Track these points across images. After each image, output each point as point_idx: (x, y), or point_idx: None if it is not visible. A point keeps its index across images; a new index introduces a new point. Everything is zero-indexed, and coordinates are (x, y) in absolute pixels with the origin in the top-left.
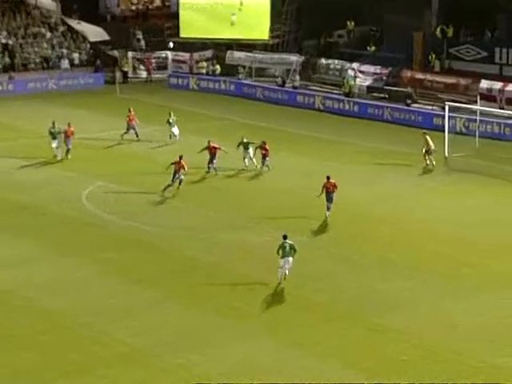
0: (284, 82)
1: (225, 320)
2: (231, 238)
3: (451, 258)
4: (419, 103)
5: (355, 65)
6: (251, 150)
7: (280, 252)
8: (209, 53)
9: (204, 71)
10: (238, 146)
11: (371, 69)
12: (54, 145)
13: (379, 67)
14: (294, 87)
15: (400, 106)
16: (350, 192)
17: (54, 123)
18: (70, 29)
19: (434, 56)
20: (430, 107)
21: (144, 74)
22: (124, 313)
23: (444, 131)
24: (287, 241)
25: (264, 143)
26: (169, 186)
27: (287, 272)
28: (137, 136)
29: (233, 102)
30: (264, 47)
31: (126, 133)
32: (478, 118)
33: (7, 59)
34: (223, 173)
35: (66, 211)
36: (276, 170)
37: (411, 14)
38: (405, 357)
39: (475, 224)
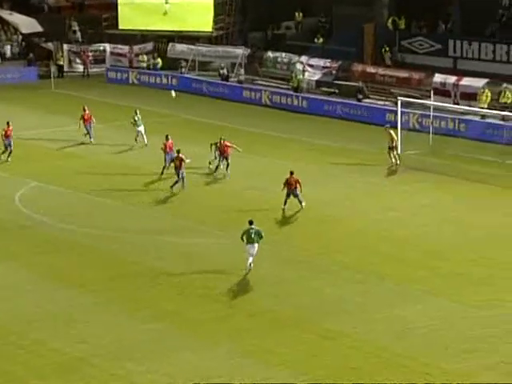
0: (228, 76)
1: (169, 327)
2: (176, 241)
3: (404, 261)
4: (371, 98)
5: (304, 58)
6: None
7: (244, 238)
8: (149, 46)
9: (144, 65)
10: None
11: (320, 62)
12: None
13: (329, 61)
14: (240, 82)
15: (351, 102)
16: (303, 193)
17: None
18: (1, 20)
19: (387, 49)
20: (382, 102)
21: (80, 68)
22: (62, 320)
23: (397, 127)
24: (253, 227)
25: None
26: (176, 182)
27: (251, 260)
28: (90, 138)
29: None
30: (208, 40)
31: (88, 135)
32: (431, 113)
33: None
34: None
35: None
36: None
37: (361, 5)
38: (356, 364)
39: (430, 224)
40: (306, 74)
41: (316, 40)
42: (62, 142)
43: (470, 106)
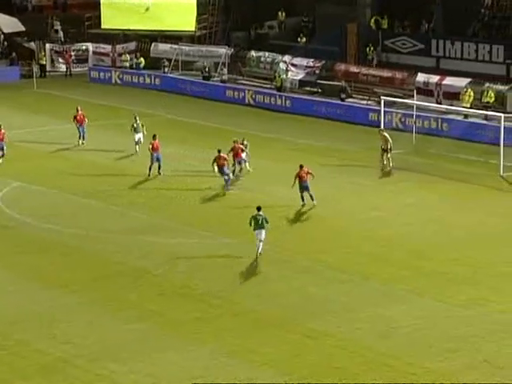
0: (210, 75)
1: (153, 327)
2: (159, 241)
3: (389, 261)
4: (354, 98)
5: (287, 58)
6: (244, 154)
7: (252, 224)
8: (132, 45)
9: (127, 64)
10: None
11: (304, 62)
12: None
13: (312, 60)
14: (223, 81)
15: (334, 101)
16: (285, 192)
17: None
18: None
19: (371, 48)
20: (366, 102)
21: (63, 68)
22: (46, 321)
23: (380, 127)
24: (260, 213)
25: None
26: (227, 181)
27: (261, 246)
28: (83, 139)
29: (158, 97)
30: (191, 39)
31: (82, 138)
32: (414, 113)
33: None
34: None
35: None
36: (206, 169)
37: (344, 5)
38: (340, 363)
39: (413, 224)
40: (290, 73)
41: (299, 39)
42: (45, 141)
43: (452, 105)
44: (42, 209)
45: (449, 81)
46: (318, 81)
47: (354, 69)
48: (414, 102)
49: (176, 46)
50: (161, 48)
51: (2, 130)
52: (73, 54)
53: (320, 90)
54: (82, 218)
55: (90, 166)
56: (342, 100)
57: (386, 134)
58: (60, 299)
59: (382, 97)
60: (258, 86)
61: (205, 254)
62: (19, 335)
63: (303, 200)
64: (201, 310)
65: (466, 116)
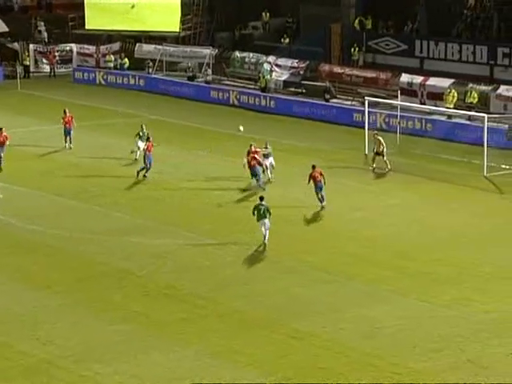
0: (194, 76)
1: (137, 328)
2: (143, 242)
3: (373, 261)
4: (338, 98)
5: (271, 58)
6: (271, 159)
7: (255, 213)
8: (116, 46)
9: (111, 65)
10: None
11: (288, 62)
12: None
13: (296, 61)
14: (207, 82)
15: (318, 102)
16: (271, 193)
17: None
18: None
19: (357, 49)
20: (350, 102)
21: (47, 68)
22: (29, 322)
23: (364, 127)
24: (263, 203)
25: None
26: (257, 180)
27: (267, 236)
28: (70, 142)
29: (142, 98)
30: (175, 40)
31: (67, 140)
32: (398, 113)
33: None
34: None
35: None
36: (196, 170)
37: (328, 6)
38: (325, 364)
39: (397, 224)
40: (274, 74)
41: (283, 40)
42: (29, 143)
43: (436, 105)
44: (26, 210)
45: (432, 81)
46: (303, 81)
47: (338, 69)
48: (398, 102)
49: (160, 47)
50: (145, 49)
51: (4, 133)
52: (57, 54)
53: (304, 91)
54: (65, 219)
55: (74, 167)
56: (327, 100)
57: (380, 138)
58: (44, 300)
59: (366, 97)
60: (242, 86)
61: (190, 254)
62: (2, 337)
63: (321, 201)
64: (186, 310)
65: (449, 116)
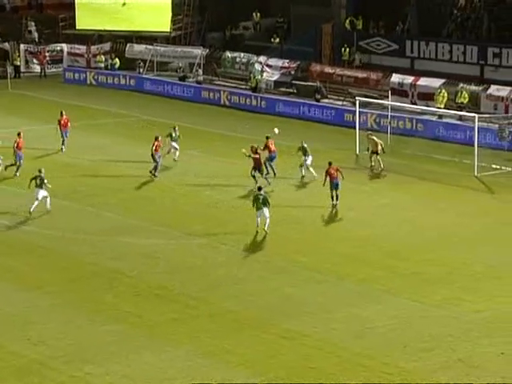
0: (185, 76)
1: (128, 329)
2: (134, 242)
3: (364, 261)
4: (329, 98)
5: (262, 58)
6: (310, 158)
7: (255, 203)
8: (107, 46)
9: (102, 65)
10: (298, 151)
11: (279, 62)
12: None
13: (287, 61)
14: (198, 82)
15: (309, 102)
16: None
17: None
18: None
19: (350, 49)
20: (341, 102)
21: (37, 69)
22: (20, 322)
23: (355, 127)
24: (261, 193)
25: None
26: (266, 178)
27: (267, 224)
28: (63, 144)
29: (133, 98)
30: (166, 40)
31: (63, 142)
32: (389, 113)
33: None
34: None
35: None
36: (188, 170)
37: (319, 6)
38: (316, 364)
39: (388, 224)
40: (265, 74)
41: (274, 40)
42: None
43: (427, 105)
44: (18, 210)
45: (423, 81)
46: (293, 81)
47: (328, 69)
48: (389, 102)
49: (151, 47)
50: (136, 49)
51: (21, 139)
52: (47, 54)
53: (295, 91)
54: (58, 219)
55: (66, 167)
56: (317, 100)
57: (374, 138)
58: (35, 300)
59: (356, 97)
60: (233, 86)
61: (181, 254)
62: None
63: (333, 199)
64: (177, 310)
65: (440, 116)
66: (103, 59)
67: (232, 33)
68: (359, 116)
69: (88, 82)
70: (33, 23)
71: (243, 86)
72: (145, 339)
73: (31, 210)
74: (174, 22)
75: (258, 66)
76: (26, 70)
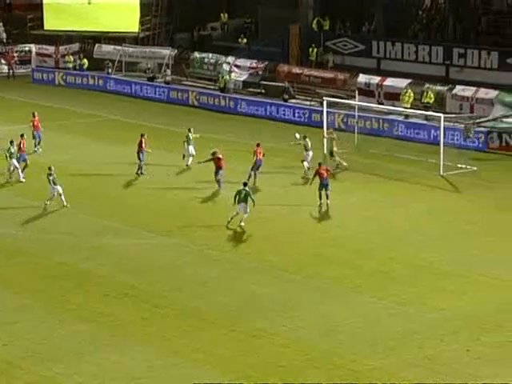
0: (154, 77)
1: (97, 328)
2: (104, 242)
3: (332, 260)
4: (297, 98)
5: (230, 59)
6: (310, 153)
7: (236, 197)
8: (75, 46)
9: (71, 66)
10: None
11: (247, 63)
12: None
13: (255, 61)
14: (167, 82)
15: (277, 102)
16: (228, 193)
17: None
18: None
19: (315, 50)
20: (308, 102)
21: (5, 69)
22: None
23: (322, 127)
24: (246, 188)
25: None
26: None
27: (243, 220)
28: (38, 144)
29: (102, 98)
30: (134, 40)
31: (38, 143)
32: (356, 113)
33: None
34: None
35: None
36: (159, 171)
37: (286, 7)
38: (285, 362)
39: (355, 223)
40: (233, 74)
41: (242, 41)
42: None
43: (393, 105)
44: None
45: (389, 82)
46: (261, 82)
47: (296, 70)
48: (356, 102)
49: (119, 48)
50: (104, 49)
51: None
52: (15, 55)
53: (263, 91)
54: (29, 220)
55: (35, 167)
56: (285, 100)
57: (335, 135)
58: (4, 301)
59: (324, 97)
60: (201, 87)
61: (150, 254)
62: None
63: (320, 199)
64: (146, 310)
65: (406, 116)
66: (72, 60)
67: (200, 33)
68: (327, 116)
69: (56, 82)
70: (1, 23)
71: (212, 87)
72: (114, 339)
73: (48, 203)
74: (142, 22)
75: (226, 67)
76: None
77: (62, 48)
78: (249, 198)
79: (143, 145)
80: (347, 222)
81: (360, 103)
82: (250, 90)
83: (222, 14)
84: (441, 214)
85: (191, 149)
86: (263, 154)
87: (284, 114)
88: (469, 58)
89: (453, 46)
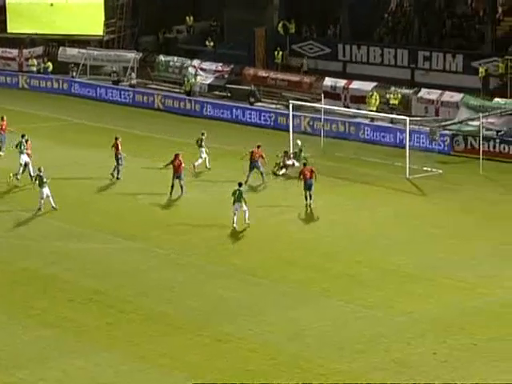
0: (119, 80)
1: (62, 334)
2: (69, 247)
3: (298, 263)
4: (263, 102)
5: (196, 62)
6: (297, 164)
7: (232, 198)
8: (39, 49)
9: (34, 69)
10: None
11: (212, 66)
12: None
13: (221, 64)
14: (132, 86)
15: (243, 105)
16: (199, 197)
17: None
18: None
19: (281, 53)
20: (274, 106)
21: None
22: None
23: (288, 131)
24: (241, 188)
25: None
26: (172, 187)
27: (247, 216)
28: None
29: (66, 102)
30: (99, 43)
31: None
32: (322, 116)
33: None
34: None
35: None
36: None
37: (252, 10)
38: (252, 366)
39: (322, 226)
40: (199, 77)
41: (208, 43)
42: None
43: (359, 109)
44: None
45: (355, 85)
46: (227, 85)
47: (262, 73)
48: (322, 105)
49: (84, 51)
50: (68, 52)
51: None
52: None
53: (229, 94)
54: None
55: (3, 172)
56: (251, 104)
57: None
58: None
59: (290, 101)
60: (167, 90)
61: (115, 258)
62: None
63: (307, 199)
64: (111, 315)
65: (372, 119)
66: (36, 63)
67: (165, 36)
68: (293, 119)
69: (20, 85)
70: None
71: (177, 90)
72: (79, 344)
73: (40, 207)
74: (107, 25)
75: (191, 70)
76: None
77: (25, 51)
78: (243, 198)
79: (119, 148)
80: (314, 225)
81: (326, 106)
82: (216, 93)
83: (187, 17)
84: (407, 218)
85: (203, 151)
86: (262, 156)
87: (250, 118)
88: (434, 61)
89: (418, 49)
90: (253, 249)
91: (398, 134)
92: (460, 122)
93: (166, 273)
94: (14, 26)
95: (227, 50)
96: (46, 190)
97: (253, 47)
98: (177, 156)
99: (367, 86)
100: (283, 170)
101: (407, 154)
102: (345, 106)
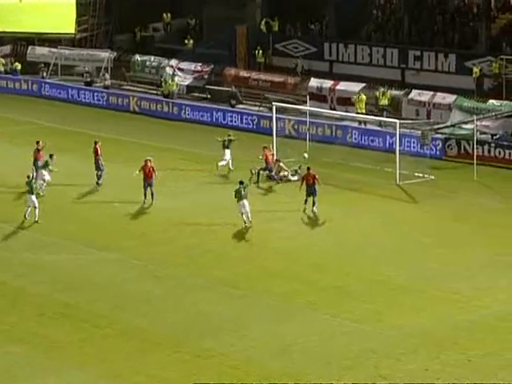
0: (92, 81)
1: (32, 350)
2: (39, 258)
3: (284, 275)
4: (245, 104)
5: (174, 62)
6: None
7: (237, 196)
8: (7, 48)
9: (2, 69)
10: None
11: (191, 66)
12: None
13: (200, 64)
14: (106, 87)
15: (224, 107)
16: (169, 204)
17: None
18: None
19: (262, 52)
20: (257, 108)
21: None
22: None
23: (272, 134)
24: (242, 185)
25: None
26: (145, 195)
27: (249, 215)
28: None
29: (36, 104)
30: (71, 42)
31: None
32: (308, 119)
33: None
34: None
35: None
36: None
37: (233, 7)
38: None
39: (309, 236)
40: (177, 78)
41: (186, 42)
42: None
43: (346, 111)
44: None
45: (343, 86)
46: (207, 86)
47: (244, 73)
48: (307, 108)
49: (55, 50)
50: (38, 52)
51: (41, 149)
52: None
53: (209, 96)
54: None
55: None
56: (233, 106)
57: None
58: None
59: (273, 103)
60: (143, 91)
61: (88, 270)
62: None
63: (305, 203)
64: (85, 330)
65: (360, 122)
66: (3, 63)
67: (142, 34)
68: (276, 122)
69: None
70: None
71: (154, 91)
72: (50, 361)
73: (26, 215)
74: (79, 22)
75: (169, 70)
76: None
77: None
78: (247, 191)
79: (99, 152)
80: (300, 234)
81: (311, 108)
82: (195, 94)
83: (164, 14)
84: (397, 226)
85: (227, 153)
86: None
87: (231, 121)
88: (425, 61)
89: (409, 48)
90: (235, 259)
91: (388, 137)
92: (453, 126)
93: (142, 285)
94: None
95: (207, 49)
96: (32, 198)
97: (234, 46)
98: (146, 162)
99: (355, 87)
100: (296, 177)
101: (397, 159)
102: (331, 109)
